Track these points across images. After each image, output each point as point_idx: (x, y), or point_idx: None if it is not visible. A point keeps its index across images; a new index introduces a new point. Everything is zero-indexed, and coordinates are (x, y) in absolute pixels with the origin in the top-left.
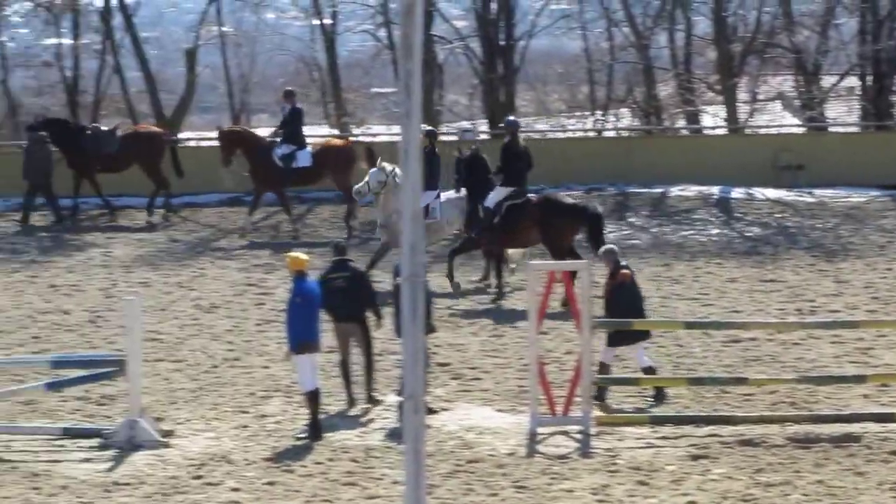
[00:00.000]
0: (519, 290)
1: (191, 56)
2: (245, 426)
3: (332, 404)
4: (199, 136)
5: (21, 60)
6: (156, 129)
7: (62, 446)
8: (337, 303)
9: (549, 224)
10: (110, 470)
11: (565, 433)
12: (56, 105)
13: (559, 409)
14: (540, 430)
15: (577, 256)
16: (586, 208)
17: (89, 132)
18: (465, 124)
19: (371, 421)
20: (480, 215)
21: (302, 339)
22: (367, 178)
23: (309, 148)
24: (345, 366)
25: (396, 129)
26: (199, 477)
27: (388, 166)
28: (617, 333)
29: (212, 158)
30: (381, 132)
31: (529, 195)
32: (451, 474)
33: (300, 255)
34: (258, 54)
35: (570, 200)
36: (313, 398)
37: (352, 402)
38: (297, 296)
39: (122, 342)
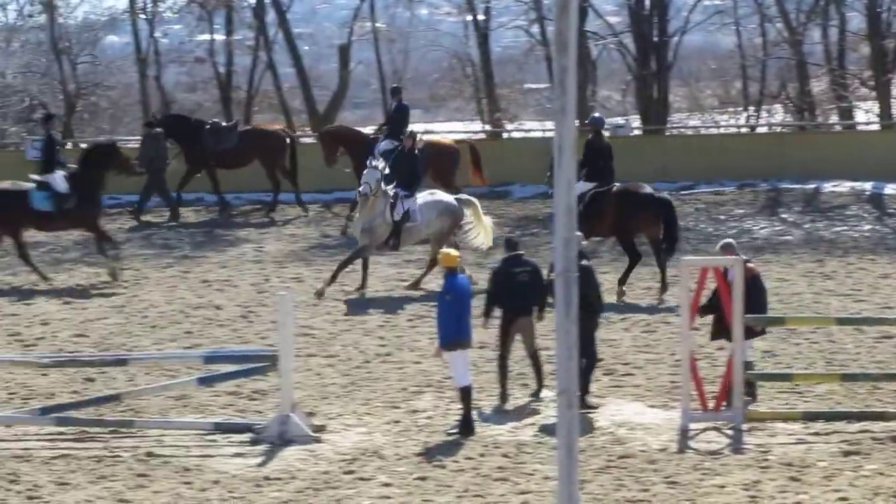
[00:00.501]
0: (672, 286)
1: (344, 52)
2: (396, 421)
3: (484, 400)
4: None
5: (174, 56)
6: (276, 126)
7: (214, 441)
8: (518, 297)
9: (623, 214)
10: (261, 465)
11: (717, 429)
12: (209, 101)
13: (711, 404)
14: (692, 425)
15: (636, 250)
16: (660, 199)
17: (209, 127)
18: (619, 120)
19: (523, 416)
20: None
21: (453, 337)
22: (366, 179)
23: None
24: (503, 360)
25: (549, 125)
26: (350, 472)
27: (380, 164)
28: (719, 327)
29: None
30: (533, 128)
31: (614, 185)
32: (602, 470)
33: (452, 251)
34: (411, 50)
35: (647, 190)
36: (466, 393)
37: (505, 397)
38: (448, 293)
39: (274, 337)
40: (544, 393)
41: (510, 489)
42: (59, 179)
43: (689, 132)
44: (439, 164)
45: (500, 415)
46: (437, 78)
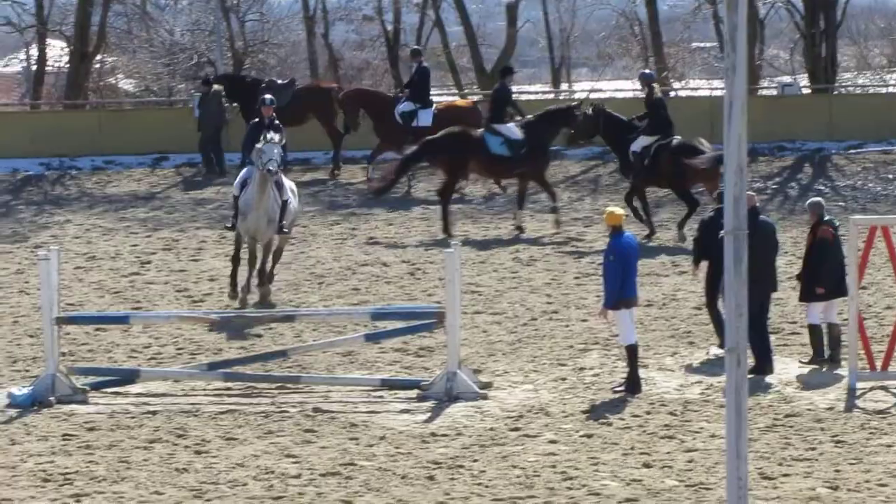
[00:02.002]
0: None
1: (512, 10)
2: (563, 379)
3: (651, 357)
4: (518, 90)
5: (342, 14)
6: (331, 84)
7: (380, 397)
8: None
9: (678, 166)
10: (428, 421)
11: (884, 388)
12: (377, 59)
13: (878, 364)
14: (859, 384)
15: (694, 199)
16: (713, 156)
17: (264, 85)
18: (786, 79)
19: (688, 375)
20: (631, 160)
21: (618, 296)
22: (269, 155)
23: (432, 108)
24: (712, 309)
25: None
26: (516, 429)
27: (276, 137)
28: (808, 289)
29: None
30: (700, 86)
31: (674, 138)
32: (769, 428)
33: (616, 209)
34: (579, 9)
35: (705, 145)
36: (633, 351)
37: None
38: (611, 253)
39: (441, 294)
40: (714, 350)
41: (676, 447)
42: (512, 128)
43: (857, 91)
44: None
45: (666, 373)
46: (605, 36)
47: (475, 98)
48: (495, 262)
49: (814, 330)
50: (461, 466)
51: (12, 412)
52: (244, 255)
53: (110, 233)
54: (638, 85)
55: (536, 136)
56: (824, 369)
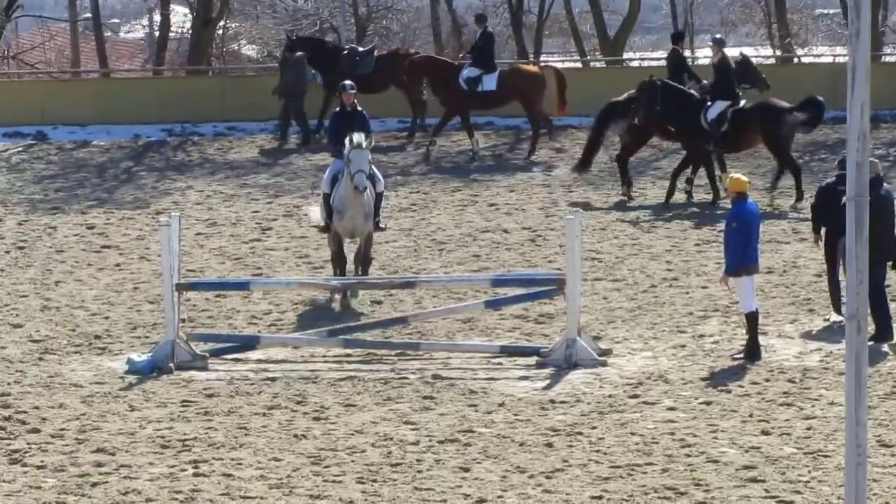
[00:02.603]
0: None
1: None
2: (682, 346)
3: (771, 325)
4: (642, 56)
5: None
6: (412, 51)
7: (500, 364)
8: (841, 216)
9: (771, 127)
10: (547, 388)
11: None
12: (500, 25)
13: None
14: None
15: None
16: (808, 104)
17: (346, 52)
18: None
19: (807, 342)
20: (707, 128)
21: (739, 263)
22: (359, 166)
23: (497, 72)
24: (832, 278)
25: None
26: (635, 396)
27: (362, 139)
28: (872, 251)
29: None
30: (823, 53)
31: (744, 101)
32: (888, 395)
33: (741, 176)
34: None
35: (785, 104)
36: (753, 319)
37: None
38: (734, 220)
39: (562, 261)
40: (834, 317)
41: (795, 414)
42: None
43: None
44: (526, 91)
45: (786, 340)
46: (728, 2)
47: (598, 64)
48: (616, 228)
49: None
50: (580, 433)
51: (132, 378)
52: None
53: (231, 199)
54: (763, 52)
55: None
56: None
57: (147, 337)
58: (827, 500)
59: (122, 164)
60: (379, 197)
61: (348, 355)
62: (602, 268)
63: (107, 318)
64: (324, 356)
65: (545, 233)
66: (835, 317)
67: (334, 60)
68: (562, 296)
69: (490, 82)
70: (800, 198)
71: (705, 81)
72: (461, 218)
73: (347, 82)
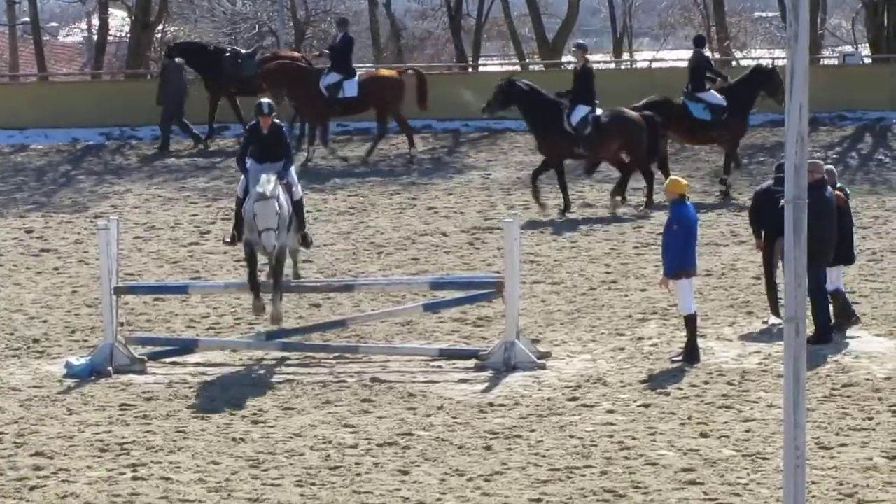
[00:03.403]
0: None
1: None
2: (621, 348)
3: (710, 327)
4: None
5: None
6: (295, 54)
7: (439, 367)
8: (777, 219)
9: (628, 137)
10: (486, 391)
11: None
12: (438, 28)
13: None
14: None
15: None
16: (650, 118)
17: (228, 55)
18: (848, 48)
19: (746, 345)
20: (570, 131)
21: (679, 266)
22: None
23: (357, 77)
24: (769, 280)
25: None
26: (574, 399)
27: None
28: (813, 253)
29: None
30: (762, 55)
31: (601, 110)
32: (826, 398)
33: (680, 179)
34: None
35: (635, 114)
36: (691, 321)
37: (777, 313)
38: (675, 223)
39: (500, 264)
40: (772, 319)
41: (734, 417)
42: (713, 94)
43: None
44: (385, 96)
45: (724, 343)
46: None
47: (536, 67)
48: (554, 231)
49: (835, 295)
50: (519, 436)
51: (70, 382)
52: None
53: (170, 202)
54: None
55: (738, 101)
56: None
57: (86, 340)
58: (766, 502)
59: (60, 167)
60: (298, 206)
61: (287, 359)
62: (541, 271)
63: (45, 321)
64: (262, 359)
65: (484, 236)
66: (773, 319)
67: (217, 63)
68: (500, 299)
69: (351, 88)
70: (620, 196)
71: (732, 81)
72: (399, 221)
73: (265, 102)
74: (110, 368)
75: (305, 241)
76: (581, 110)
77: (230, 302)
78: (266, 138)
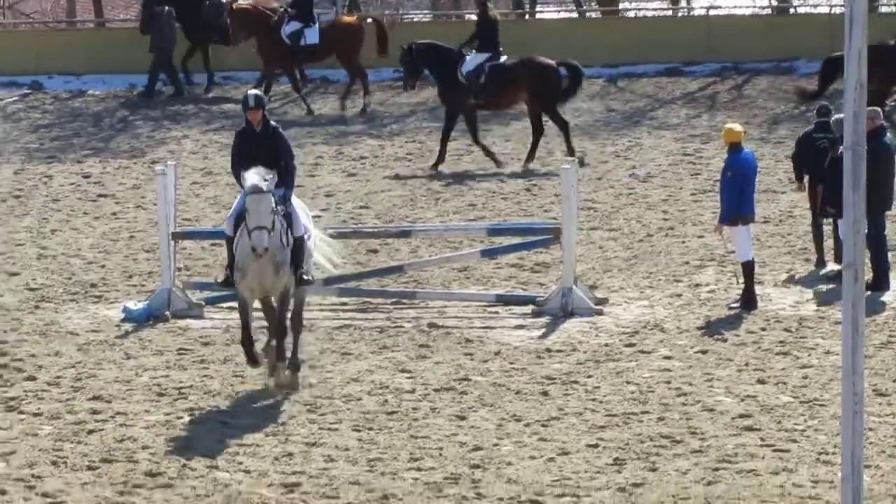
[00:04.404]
0: None
1: None
2: (678, 295)
3: (767, 274)
4: (637, 6)
5: None
6: (263, 7)
7: (495, 313)
8: (818, 164)
9: (537, 85)
10: (543, 337)
11: None
12: None
13: None
14: None
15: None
16: (567, 64)
17: (208, 3)
18: None
19: (804, 291)
20: (464, 82)
21: (735, 212)
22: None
23: (317, 25)
24: (815, 226)
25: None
26: (631, 345)
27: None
28: (872, 200)
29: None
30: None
31: (505, 57)
32: (884, 345)
33: (735, 126)
34: None
35: (550, 61)
36: (749, 268)
37: (822, 262)
38: (730, 169)
39: (558, 210)
40: (830, 266)
41: (791, 363)
42: None
43: None
44: (344, 43)
45: (782, 289)
46: None
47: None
48: (612, 178)
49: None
50: (575, 382)
51: (128, 326)
52: (259, 321)
53: (226, 148)
54: (759, 2)
55: None
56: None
57: (143, 285)
58: (823, 448)
59: (117, 113)
60: (297, 242)
61: (344, 304)
62: (598, 217)
63: (103, 266)
64: (320, 305)
65: (541, 182)
66: (830, 265)
67: (197, 12)
68: (558, 245)
69: (312, 35)
70: (531, 159)
71: None
72: (457, 166)
73: (252, 93)
74: (168, 313)
75: (301, 280)
76: (475, 59)
77: None
78: (259, 139)
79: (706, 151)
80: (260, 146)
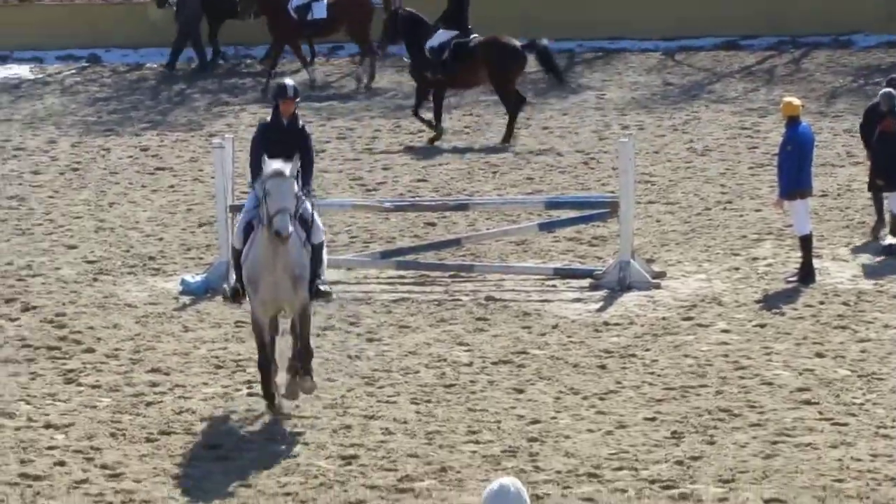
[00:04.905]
0: None
1: None
2: (736, 268)
3: (825, 248)
4: None
5: None
6: None
7: (553, 286)
8: None
9: (496, 65)
10: (601, 310)
11: None
12: None
13: None
14: None
15: (521, 95)
16: (533, 45)
17: None
18: None
19: (862, 265)
20: (428, 56)
21: (794, 186)
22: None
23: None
24: (875, 199)
25: None
26: (689, 318)
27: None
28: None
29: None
30: None
31: (474, 36)
32: None
33: (794, 100)
34: None
35: (515, 42)
36: (807, 242)
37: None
38: (788, 143)
39: (615, 184)
40: (889, 240)
41: (849, 337)
42: None
43: None
44: (352, 17)
45: (839, 263)
46: None
47: None
48: (669, 151)
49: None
50: (633, 355)
51: (186, 299)
52: (277, 340)
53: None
54: None
55: None
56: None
57: (201, 258)
58: (881, 422)
59: (175, 86)
60: (317, 251)
61: (402, 277)
62: (655, 191)
63: (161, 239)
64: (377, 277)
65: (598, 156)
66: (889, 239)
67: None
68: (615, 218)
69: (320, 10)
70: (508, 138)
71: None
72: (514, 140)
73: (289, 84)
74: (226, 286)
75: (320, 294)
76: (441, 36)
77: (345, 220)
78: (286, 135)
79: (764, 125)
80: (285, 141)
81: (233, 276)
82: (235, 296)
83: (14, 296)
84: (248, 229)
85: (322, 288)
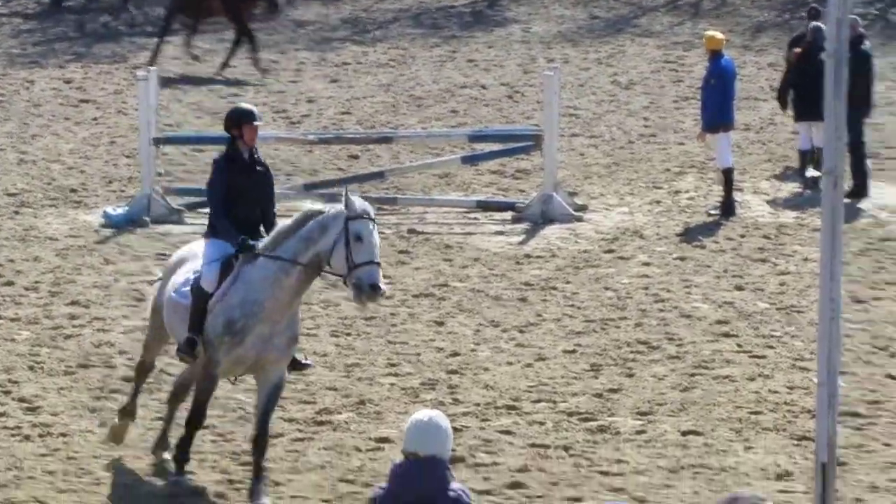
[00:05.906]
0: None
1: None
2: (658, 202)
3: (747, 181)
4: None
5: None
6: None
7: (475, 219)
8: None
9: None
10: (522, 243)
11: None
12: None
13: None
14: None
15: (251, 32)
16: None
17: None
18: None
19: (783, 199)
20: None
21: (716, 120)
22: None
23: None
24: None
25: None
26: (610, 251)
27: None
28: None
29: None
30: None
31: None
32: (861, 252)
33: (717, 34)
34: None
35: None
36: (729, 175)
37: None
38: (712, 77)
39: (539, 117)
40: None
41: (769, 270)
42: None
43: None
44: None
45: (758, 196)
46: None
47: None
48: (594, 85)
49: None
50: (554, 288)
51: (107, 231)
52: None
53: (208, 54)
54: None
55: None
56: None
57: (123, 191)
58: (799, 354)
59: (100, 18)
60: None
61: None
62: (579, 124)
63: (83, 171)
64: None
65: (523, 89)
66: (811, 172)
67: None
68: (539, 151)
69: None
70: (222, 66)
71: None
72: (439, 74)
73: (250, 108)
74: (147, 219)
75: (297, 366)
76: None
77: (269, 153)
78: (249, 170)
79: (688, 59)
80: (248, 179)
81: (184, 326)
82: (191, 346)
83: None
84: (223, 271)
85: (301, 359)
